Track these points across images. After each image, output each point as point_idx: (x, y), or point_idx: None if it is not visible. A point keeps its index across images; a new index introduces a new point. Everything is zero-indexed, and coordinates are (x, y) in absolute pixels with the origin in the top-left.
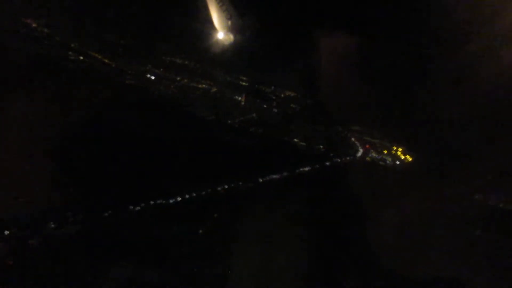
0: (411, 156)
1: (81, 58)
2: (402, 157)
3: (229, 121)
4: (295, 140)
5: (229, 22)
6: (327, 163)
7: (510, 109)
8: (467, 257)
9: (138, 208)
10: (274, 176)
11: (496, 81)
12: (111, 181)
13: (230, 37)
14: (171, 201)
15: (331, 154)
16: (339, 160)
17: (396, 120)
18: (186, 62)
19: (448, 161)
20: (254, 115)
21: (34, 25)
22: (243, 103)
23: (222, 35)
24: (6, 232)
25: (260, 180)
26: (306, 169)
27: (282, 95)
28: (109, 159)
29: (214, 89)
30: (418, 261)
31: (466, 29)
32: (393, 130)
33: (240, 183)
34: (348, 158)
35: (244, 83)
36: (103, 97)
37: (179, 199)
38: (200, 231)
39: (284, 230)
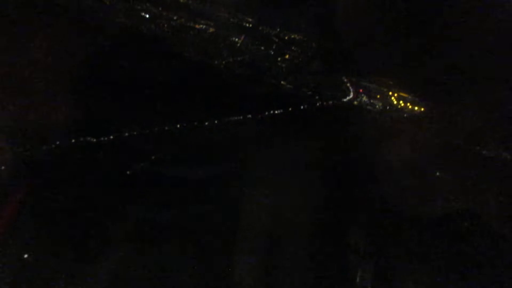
0: (404, 102)
1: None
2: (395, 102)
3: (216, 62)
4: (282, 82)
5: None
6: (303, 106)
7: None
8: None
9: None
10: (236, 118)
11: None
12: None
13: None
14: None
15: (316, 97)
16: (317, 104)
17: (402, 67)
18: (190, 2)
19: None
20: (247, 56)
21: None
22: (239, 44)
23: None
24: None
25: (218, 121)
26: (277, 111)
27: (286, 38)
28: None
29: (211, 30)
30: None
31: None
32: (396, 76)
33: (196, 123)
34: (330, 102)
35: (248, 25)
36: (88, 34)
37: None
38: (128, 172)
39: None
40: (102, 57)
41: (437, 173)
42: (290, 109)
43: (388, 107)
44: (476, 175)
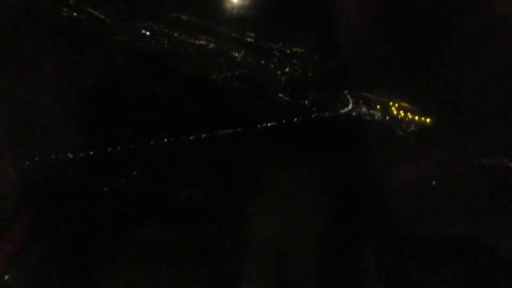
0: (405, 112)
1: (75, 14)
2: (395, 112)
3: (213, 76)
4: (280, 95)
5: None
6: (297, 118)
7: None
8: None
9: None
10: (226, 131)
11: None
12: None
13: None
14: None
15: (314, 109)
16: (313, 116)
17: (406, 78)
18: (192, 19)
19: (457, 122)
20: (245, 70)
21: None
22: (238, 59)
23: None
24: None
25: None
26: (269, 124)
27: (288, 51)
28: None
29: (211, 45)
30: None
31: None
32: (399, 87)
33: (183, 137)
34: (327, 113)
35: (249, 39)
36: (84, 52)
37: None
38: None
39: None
40: (92, 73)
41: (433, 182)
42: (283, 121)
43: (387, 118)
44: (478, 186)
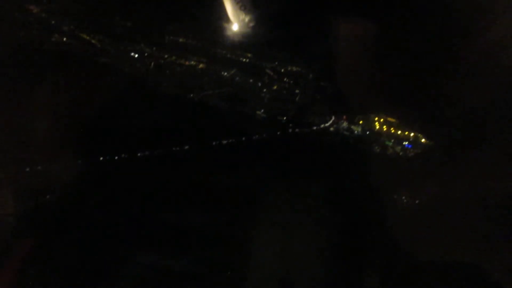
0: (388, 127)
1: (64, 39)
2: (377, 127)
3: (191, 95)
4: (258, 112)
5: (245, 17)
6: (260, 135)
7: None
8: (482, 243)
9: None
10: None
11: None
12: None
13: (245, 29)
14: None
15: (290, 125)
16: (278, 133)
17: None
18: (189, 42)
19: (458, 145)
20: (228, 89)
21: (34, 10)
22: (225, 78)
23: (236, 27)
24: None
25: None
26: (229, 140)
27: (282, 70)
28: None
29: (201, 65)
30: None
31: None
32: (392, 107)
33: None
34: (297, 129)
35: (244, 60)
36: (68, 75)
37: None
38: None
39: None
40: (76, 95)
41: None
42: (243, 138)
43: (368, 132)
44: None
